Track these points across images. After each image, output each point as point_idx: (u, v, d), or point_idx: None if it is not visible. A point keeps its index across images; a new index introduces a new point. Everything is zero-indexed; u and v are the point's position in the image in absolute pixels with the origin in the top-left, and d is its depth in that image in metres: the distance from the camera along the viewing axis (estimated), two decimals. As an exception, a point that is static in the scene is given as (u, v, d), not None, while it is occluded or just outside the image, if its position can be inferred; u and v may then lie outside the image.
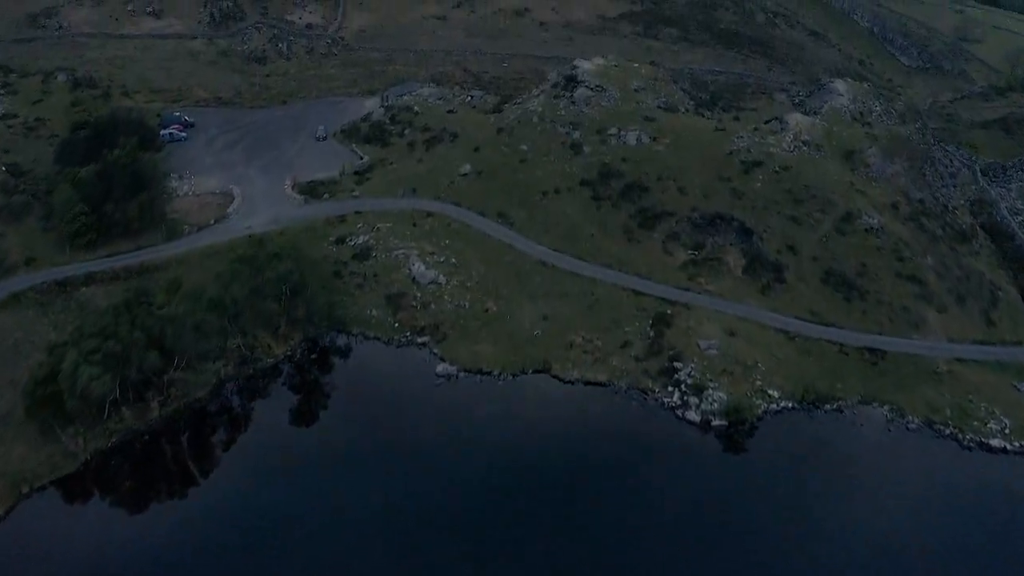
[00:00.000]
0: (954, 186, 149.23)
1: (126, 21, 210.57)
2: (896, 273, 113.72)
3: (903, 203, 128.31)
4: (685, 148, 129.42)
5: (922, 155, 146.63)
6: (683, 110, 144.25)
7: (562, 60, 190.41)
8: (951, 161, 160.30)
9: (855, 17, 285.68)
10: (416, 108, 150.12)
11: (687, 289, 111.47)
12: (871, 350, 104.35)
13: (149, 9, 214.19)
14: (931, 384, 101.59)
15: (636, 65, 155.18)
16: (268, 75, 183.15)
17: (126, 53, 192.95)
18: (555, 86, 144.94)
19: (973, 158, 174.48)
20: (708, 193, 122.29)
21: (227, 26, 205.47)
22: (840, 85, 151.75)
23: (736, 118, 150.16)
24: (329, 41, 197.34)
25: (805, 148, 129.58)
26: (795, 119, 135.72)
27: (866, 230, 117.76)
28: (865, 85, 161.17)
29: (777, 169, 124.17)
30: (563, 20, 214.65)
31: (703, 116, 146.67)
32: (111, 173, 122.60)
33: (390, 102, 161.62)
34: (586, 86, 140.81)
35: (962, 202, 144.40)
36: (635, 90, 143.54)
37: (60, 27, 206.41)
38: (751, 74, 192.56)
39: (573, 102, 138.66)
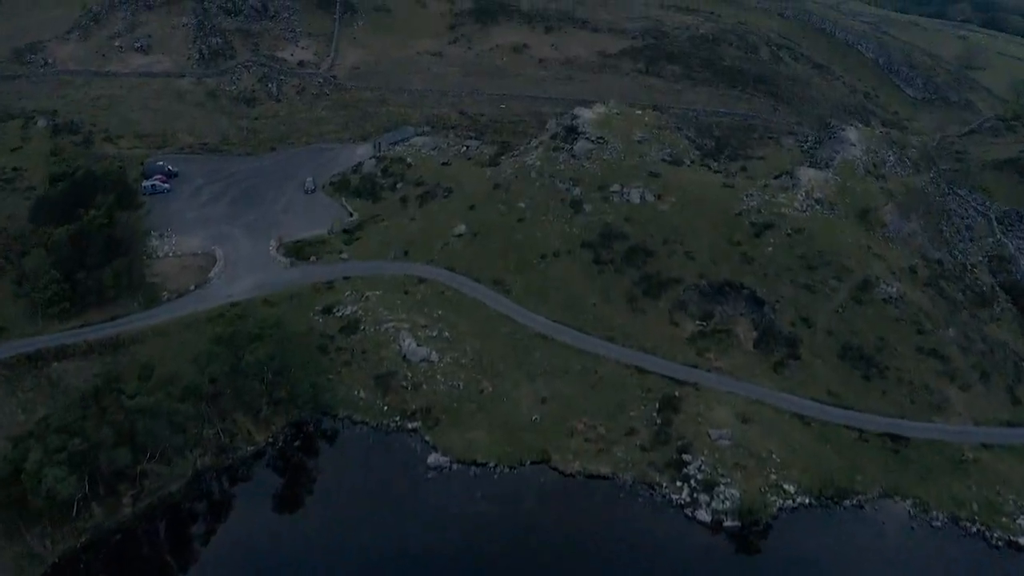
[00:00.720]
0: (971, 240, 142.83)
1: (113, 57, 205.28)
2: (917, 348, 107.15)
3: (921, 265, 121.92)
4: (692, 207, 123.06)
5: (938, 209, 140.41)
6: (688, 162, 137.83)
7: (561, 102, 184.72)
8: (966, 210, 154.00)
9: (859, 48, 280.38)
10: (409, 159, 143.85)
11: (695, 366, 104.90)
12: (892, 436, 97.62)
13: (137, 45, 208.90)
14: (956, 475, 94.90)
15: (639, 112, 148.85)
16: (257, 118, 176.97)
17: (111, 92, 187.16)
18: (554, 137, 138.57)
19: (987, 203, 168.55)
20: (716, 258, 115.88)
21: (216, 64, 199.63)
22: (852, 133, 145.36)
23: (744, 168, 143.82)
24: (321, 80, 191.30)
25: (818, 207, 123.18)
26: (807, 175, 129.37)
27: (884, 300, 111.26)
28: (877, 131, 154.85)
29: (789, 232, 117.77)
30: (562, 57, 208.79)
31: (709, 168, 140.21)
32: (86, 236, 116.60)
33: (382, 151, 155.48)
34: (587, 138, 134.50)
35: (980, 258, 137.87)
36: (638, 141, 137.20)
37: (45, 63, 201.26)
38: (757, 116, 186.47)
39: (573, 155, 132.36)
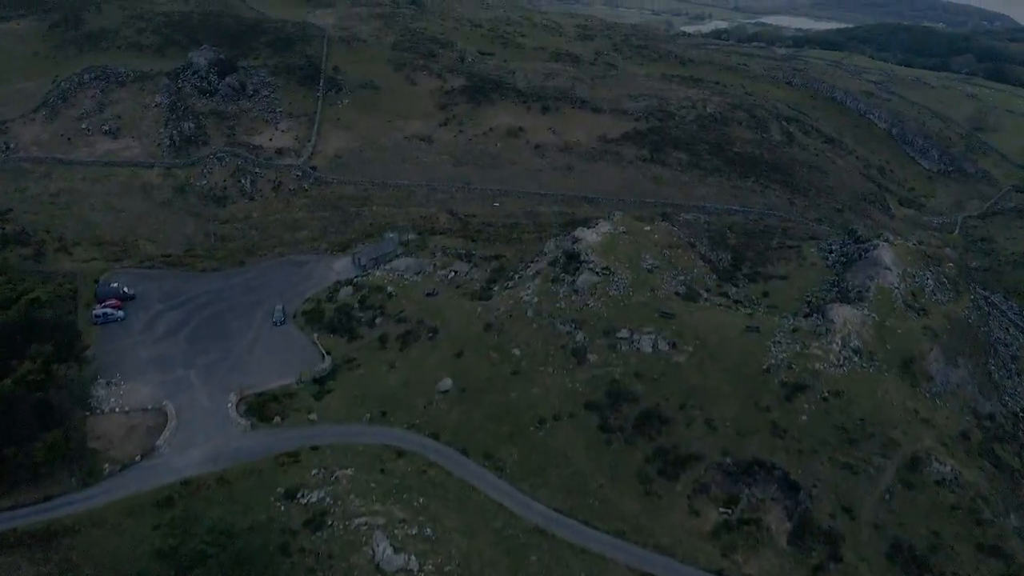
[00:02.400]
0: (1018, 373, 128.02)
1: (79, 142, 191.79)
2: (976, 544, 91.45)
3: (973, 427, 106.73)
4: (712, 360, 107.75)
5: (984, 341, 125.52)
6: (704, 293, 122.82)
7: (560, 199, 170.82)
8: (1007, 331, 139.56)
9: (871, 117, 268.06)
10: (390, 288, 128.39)
11: (720, 572, 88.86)
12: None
13: (106, 127, 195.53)
14: None
15: (647, 228, 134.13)
16: (227, 221, 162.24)
17: (73, 186, 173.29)
18: (553, 264, 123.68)
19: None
20: (742, 429, 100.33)
21: (187, 152, 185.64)
22: (885, 254, 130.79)
23: (765, 294, 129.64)
24: (299, 173, 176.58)
25: (856, 359, 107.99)
26: (841, 315, 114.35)
27: (937, 482, 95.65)
28: (910, 244, 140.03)
29: (826, 395, 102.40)
30: (560, 142, 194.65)
31: (728, 296, 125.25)
32: (15, 402, 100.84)
33: (362, 264, 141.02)
34: (590, 268, 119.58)
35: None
36: (648, 270, 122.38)
37: (8, 148, 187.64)
38: (773, 212, 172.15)
39: (575, 290, 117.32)
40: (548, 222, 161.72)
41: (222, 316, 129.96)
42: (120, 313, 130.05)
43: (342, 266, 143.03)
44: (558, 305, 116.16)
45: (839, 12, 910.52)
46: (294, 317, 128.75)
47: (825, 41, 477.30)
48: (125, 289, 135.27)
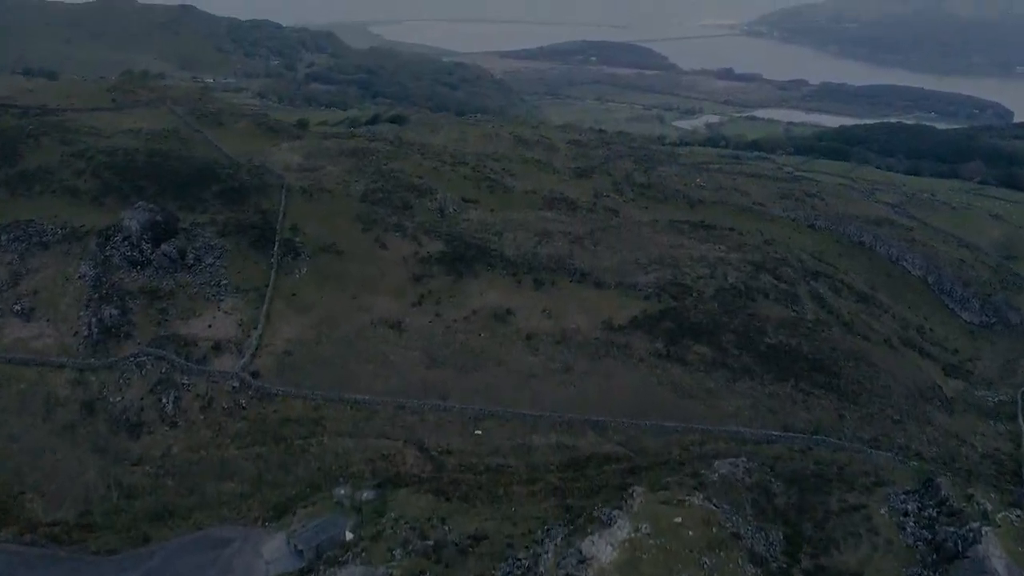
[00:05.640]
0: None
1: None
2: None
3: None
4: None
5: None
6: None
7: (558, 424, 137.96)
8: None
9: (904, 264, 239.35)
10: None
11: None
12: None
13: (18, 307, 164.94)
14: None
15: (678, 520, 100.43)
16: (139, 462, 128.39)
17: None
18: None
19: None
20: None
21: (107, 347, 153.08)
22: (995, 553, 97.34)
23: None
24: (236, 385, 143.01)
25: None
26: None
27: None
28: (1012, 517, 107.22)
29: None
30: (557, 330, 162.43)
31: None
32: None
33: (300, 549, 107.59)
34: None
35: None
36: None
37: None
38: (822, 437, 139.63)
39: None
40: (544, 462, 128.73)
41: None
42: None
43: (274, 551, 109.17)
44: None
45: (830, 103, 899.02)
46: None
47: (828, 149, 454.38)
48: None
